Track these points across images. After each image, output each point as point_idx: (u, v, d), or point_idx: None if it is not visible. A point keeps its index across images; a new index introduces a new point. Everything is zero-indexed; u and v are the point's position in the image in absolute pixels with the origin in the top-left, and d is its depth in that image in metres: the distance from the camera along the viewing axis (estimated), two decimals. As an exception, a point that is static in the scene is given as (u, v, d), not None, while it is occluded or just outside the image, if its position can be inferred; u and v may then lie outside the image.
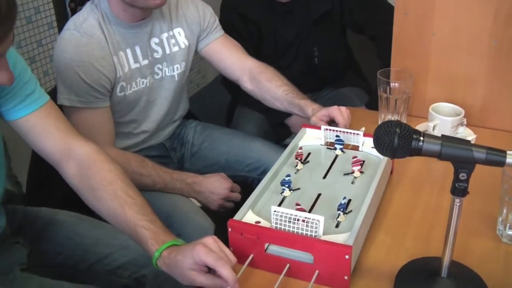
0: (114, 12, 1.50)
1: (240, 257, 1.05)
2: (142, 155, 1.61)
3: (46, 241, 1.35)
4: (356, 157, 1.26)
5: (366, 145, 1.32)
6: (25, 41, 2.21)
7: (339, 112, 1.49)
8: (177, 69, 1.67)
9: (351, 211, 1.11)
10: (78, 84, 1.45)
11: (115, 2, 1.48)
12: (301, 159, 1.28)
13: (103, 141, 1.51)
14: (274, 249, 1.05)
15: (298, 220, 1.02)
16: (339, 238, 1.02)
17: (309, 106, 1.59)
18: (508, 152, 0.86)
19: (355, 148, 1.34)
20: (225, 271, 0.95)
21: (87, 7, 1.52)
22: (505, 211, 1.12)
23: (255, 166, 1.77)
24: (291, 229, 1.02)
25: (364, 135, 1.32)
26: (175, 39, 1.65)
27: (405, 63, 1.58)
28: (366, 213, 1.07)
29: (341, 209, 1.10)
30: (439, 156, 0.87)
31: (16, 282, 1.20)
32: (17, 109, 1.18)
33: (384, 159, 1.24)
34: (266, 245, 1.05)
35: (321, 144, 1.36)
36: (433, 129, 1.44)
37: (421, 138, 0.87)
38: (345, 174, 1.24)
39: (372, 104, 1.75)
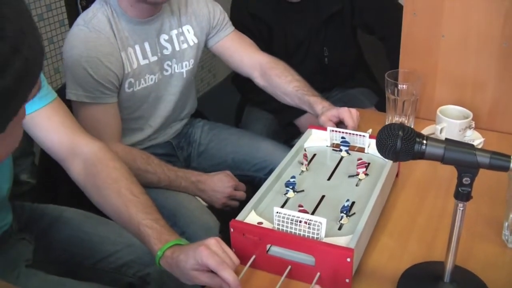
0: (123, 7, 1.51)
1: (242, 257, 1.05)
2: (148, 153, 1.62)
3: (52, 238, 1.35)
4: (361, 159, 1.25)
5: (372, 147, 1.31)
6: (36, 38, 2.22)
7: (349, 114, 1.48)
8: (186, 66, 1.68)
9: (354, 213, 1.11)
10: (86, 80, 1.46)
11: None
12: (306, 160, 1.28)
13: (109, 137, 1.52)
14: (276, 250, 1.05)
15: (300, 222, 1.01)
16: (341, 240, 1.01)
17: (318, 104, 1.58)
18: (512, 157, 0.85)
19: (361, 150, 1.33)
20: (227, 275, 0.95)
21: (97, 3, 1.53)
22: (511, 216, 1.11)
23: (262, 166, 1.77)
24: (293, 230, 1.02)
25: (370, 137, 1.32)
26: (184, 36, 1.65)
27: (413, 64, 1.56)
28: (370, 216, 1.06)
29: (344, 212, 1.09)
30: (442, 160, 0.86)
31: (21, 278, 1.21)
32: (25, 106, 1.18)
33: (389, 162, 1.23)
34: (268, 246, 1.05)
35: (326, 146, 1.36)
36: (441, 132, 1.43)
37: (424, 142, 0.86)
38: (349, 176, 1.23)
39: (382, 105, 1.74)
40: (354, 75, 2.23)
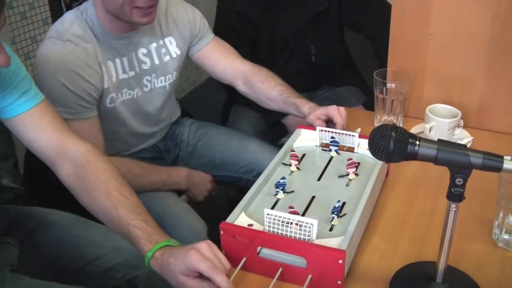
0: (101, 21, 1.44)
1: (233, 260, 1.04)
2: (135, 158, 1.60)
3: (38, 241, 1.33)
4: (351, 159, 1.24)
5: (362, 146, 1.30)
6: (19, 37, 2.18)
7: (338, 112, 1.47)
8: (169, 79, 1.64)
9: (345, 214, 1.10)
10: (65, 95, 1.39)
11: (102, 12, 1.42)
12: (297, 160, 1.27)
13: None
14: (267, 252, 1.03)
15: (291, 223, 1.00)
16: (333, 242, 1.00)
17: (305, 105, 1.58)
18: (505, 157, 0.84)
19: (351, 149, 1.32)
20: (221, 280, 0.93)
21: (72, 13, 1.46)
22: (501, 215, 1.11)
23: (250, 168, 1.75)
24: (284, 232, 1.01)
25: (360, 136, 1.31)
26: (166, 49, 1.60)
27: (402, 63, 1.56)
28: (361, 217, 1.06)
29: (335, 213, 1.08)
30: (435, 160, 0.85)
31: (5, 283, 1.18)
32: (13, 107, 1.17)
33: (379, 162, 1.22)
34: (258, 248, 1.03)
35: (316, 146, 1.35)
36: (430, 131, 1.42)
37: (417, 143, 0.85)
38: (340, 176, 1.22)
39: (369, 103, 1.74)
40: (341, 74, 2.23)
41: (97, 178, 1.16)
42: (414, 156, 0.86)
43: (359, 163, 1.25)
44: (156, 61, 1.58)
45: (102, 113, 1.50)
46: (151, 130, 1.71)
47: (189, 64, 3.03)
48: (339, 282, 0.98)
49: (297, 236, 1.00)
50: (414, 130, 1.50)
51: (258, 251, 1.04)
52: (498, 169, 0.84)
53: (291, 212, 1.07)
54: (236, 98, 2.11)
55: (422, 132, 1.46)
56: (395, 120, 1.55)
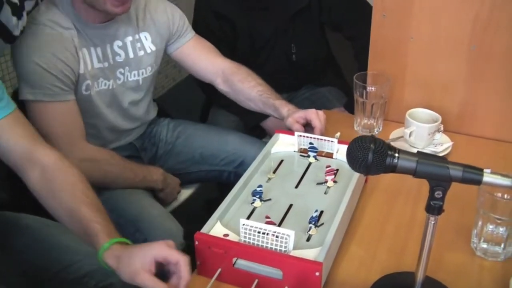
0: (77, 10, 1.43)
1: (208, 270, 1.02)
2: None
3: (8, 248, 1.29)
4: (329, 166, 1.22)
5: (341, 152, 1.28)
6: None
7: (316, 116, 1.45)
8: (143, 74, 1.61)
9: (323, 223, 1.08)
10: (41, 76, 1.38)
11: (78, 0, 1.41)
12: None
13: (77, 135, 1.48)
14: (242, 263, 1.01)
15: (267, 234, 0.98)
16: (310, 253, 0.98)
17: (284, 107, 1.55)
18: (485, 170, 0.83)
19: (329, 155, 1.30)
20: (186, 268, 0.95)
21: (48, 2, 1.44)
22: (480, 223, 1.10)
23: (231, 159, 1.74)
24: (260, 243, 0.99)
25: (339, 142, 1.29)
26: (141, 43, 1.58)
27: (382, 66, 1.54)
28: (338, 227, 1.04)
29: (313, 222, 1.06)
30: (415, 173, 0.83)
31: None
32: None
33: (358, 168, 1.20)
34: (234, 259, 1.01)
35: (294, 151, 1.32)
36: (410, 136, 1.41)
37: (396, 155, 0.83)
38: (318, 184, 1.20)
39: (350, 105, 1.72)
40: (323, 73, 2.20)
41: (64, 181, 1.16)
42: (393, 169, 0.84)
43: (337, 170, 1.23)
44: (131, 55, 1.56)
45: (78, 101, 1.48)
46: (127, 126, 1.68)
47: (169, 61, 2.98)
48: (316, 294, 0.96)
49: (274, 247, 0.98)
50: (394, 134, 1.49)
51: (233, 262, 1.01)
52: (478, 182, 0.83)
53: (267, 222, 1.05)
54: (214, 100, 2.09)
55: (402, 137, 1.44)
56: (375, 124, 1.53)
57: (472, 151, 1.46)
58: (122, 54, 1.54)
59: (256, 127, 2.02)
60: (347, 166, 1.23)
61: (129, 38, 1.55)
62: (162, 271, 1.00)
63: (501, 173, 0.83)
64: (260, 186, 1.15)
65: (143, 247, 1.00)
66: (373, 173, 0.84)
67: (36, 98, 1.40)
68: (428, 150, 1.42)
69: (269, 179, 1.22)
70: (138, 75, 1.60)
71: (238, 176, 1.21)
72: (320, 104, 2.14)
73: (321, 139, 1.29)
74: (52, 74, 1.39)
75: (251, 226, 0.98)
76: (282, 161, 1.29)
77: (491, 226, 1.09)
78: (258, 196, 1.14)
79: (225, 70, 1.69)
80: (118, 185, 1.57)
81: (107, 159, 1.55)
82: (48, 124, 1.42)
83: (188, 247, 1.27)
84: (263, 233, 0.98)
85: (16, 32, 1.28)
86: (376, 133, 1.54)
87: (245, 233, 0.99)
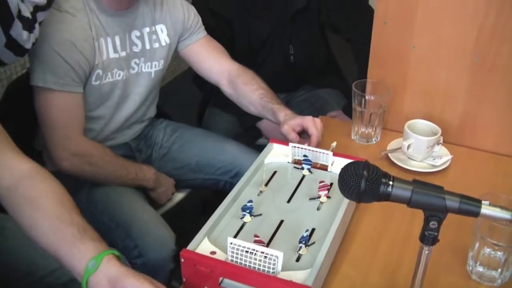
0: None
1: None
2: None
3: None
4: (323, 181, 1.18)
5: (336, 165, 1.24)
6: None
7: (313, 123, 1.41)
8: (155, 66, 1.61)
9: (314, 243, 1.04)
10: (57, 64, 1.38)
11: None
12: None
13: (75, 128, 1.47)
14: (229, 283, 0.97)
15: (255, 254, 0.94)
16: (299, 275, 0.95)
17: (281, 111, 1.52)
18: (483, 202, 0.79)
19: (324, 167, 1.26)
20: None
21: None
22: (477, 246, 1.06)
23: (228, 169, 1.72)
24: (247, 263, 0.95)
25: (334, 154, 1.25)
26: (157, 35, 1.58)
27: (382, 74, 1.50)
28: (330, 247, 1.00)
29: (303, 242, 1.02)
30: (409, 203, 0.80)
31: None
32: None
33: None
34: (220, 278, 0.98)
35: (288, 162, 1.28)
36: (408, 148, 1.37)
37: (391, 183, 0.79)
38: (311, 199, 1.16)
39: (349, 109, 1.67)
40: (322, 75, 2.16)
41: (47, 187, 1.07)
42: (386, 197, 0.80)
43: (331, 184, 1.19)
44: (147, 46, 1.57)
45: (86, 92, 1.49)
46: (127, 121, 1.65)
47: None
48: (303, 319, 0.92)
49: (261, 268, 0.94)
50: (392, 145, 1.45)
51: (220, 281, 0.98)
52: (475, 214, 0.79)
53: (256, 241, 1.01)
54: (211, 100, 2.05)
55: (400, 148, 1.40)
56: (373, 133, 1.49)
57: (472, 165, 1.42)
58: (139, 44, 1.55)
59: (252, 127, 1.99)
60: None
61: (146, 29, 1.56)
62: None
63: (500, 206, 0.79)
64: (250, 201, 1.11)
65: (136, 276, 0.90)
66: (366, 201, 0.81)
67: (46, 85, 1.40)
68: (427, 163, 1.38)
69: (261, 192, 1.18)
70: (151, 67, 1.60)
71: (234, 186, 1.18)
72: (318, 107, 2.10)
73: (316, 151, 1.25)
74: (69, 64, 1.39)
75: (239, 246, 0.95)
76: (275, 172, 1.25)
77: (488, 250, 1.05)
78: (248, 211, 1.10)
79: (231, 72, 1.67)
80: (110, 182, 1.56)
81: (100, 155, 1.54)
82: (50, 111, 1.43)
83: (178, 256, 1.24)
84: (251, 253, 0.94)
85: (28, 46, 1.25)
86: (374, 142, 1.50)
87: (233, 252, 0.96)
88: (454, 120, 1.47)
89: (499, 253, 1.04)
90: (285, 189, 1.19)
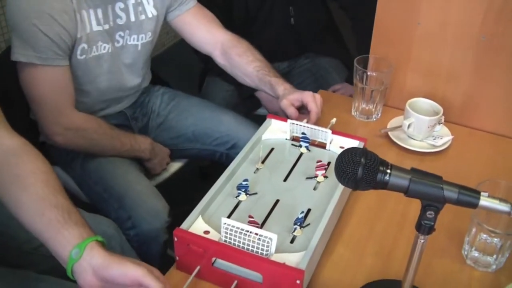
0: None
1: (187, 267, 0.98)
2: None
3: None
4: (320, 161, 1.16)
5: (334, 144, 1.22)
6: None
7: (313, 99, 1.38)
8: (142, 39, 1.55)
9: (309, 224, 1.03)
10: (37, 38, 1.32)
11: None
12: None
13: (65, 102, 1.43)
14: (222, 263, 0.97)
15: (249, 235, 0.93)
16: (292, 258, 0.94)
17: (280, 85, 1.48)
18: (482, 193, 0.77)
19: (322, 145, 1.24)
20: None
21: None
22: (473, 232, 1.05)
23: (224, 140, 1.69)
24: (241, 244, 0.94)
25: (333, 132, 1.23)
26: (143, 7, 1.51)
27: (385, 50, 1.46)
28: (325, 229, 0.99)
29: (298, 224, 1.01)
30: (406, 192, 0.78)
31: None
32: None
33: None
34: (213, 258, 0.97)
35: (286, 139, 1.26)
36: (408, 127, 1.35)
37: (388, 171, 0.78)
38: (307, 178, 1.14)
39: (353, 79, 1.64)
40: (323, 40, 2.11)
41: (34, 167, 1.04)
42: (384, 185, 0.78)
43: (329, 163, 1.18)
44: (132, 18, 1.50)
45: (72, 67, 1.43)
46: (120, 94, 1.62)
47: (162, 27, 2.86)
48: (296, 301, 0.92)
49: (255, 249, 0.93)
50: (392, 123, 1.43)
51: (213, 261, 0.97)
52: (474, 205, 0.77)
53: (250, 222, 1.00)
54: (210, 68, 2.01)
55: (400, 127, 1.38)
56: (373, 110, 1.47)
57: (472, 146, 1.40)
58: (123, 16, 1.48)
59: (251, 96, 1.96)
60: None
61: (131, 1, 1.48)
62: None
63: (499, 198, 0.77)
64: (246, 180, 1.09)
65: (126, 264, 0.88)
66: (362, 189, 0.79)
67: (28, 60, 1.35)
68: (427, 143, 1.36)
69: (257, 169, 1.17)
70: (138, 39, 1.54)
71: (230, 158, 1.17)
72: (319, 77, 2.07)
73: (315, 129, 1.23)
74: (49, 38, 1.33)
75: (233, 226, 0.94)
76: (272, 149, 1.23)
77: (484, 236, 1.04)
78: (243, 189, 1.08)
79: (224, 43, 1.62)
80: (105, 154, 1.54)
81: (94, 128, 1.51)
82: (37, 88, 1.39)
83: (172, 226, 1.23)
84: (245, 234, 0.93)
85: None
86: (374, 119, 1.48)
87: (226, 232, 0.95)
88: (457, 99, 1.44)
89: (495, 239, 1.03)
90: (282, 167, 1.17)
